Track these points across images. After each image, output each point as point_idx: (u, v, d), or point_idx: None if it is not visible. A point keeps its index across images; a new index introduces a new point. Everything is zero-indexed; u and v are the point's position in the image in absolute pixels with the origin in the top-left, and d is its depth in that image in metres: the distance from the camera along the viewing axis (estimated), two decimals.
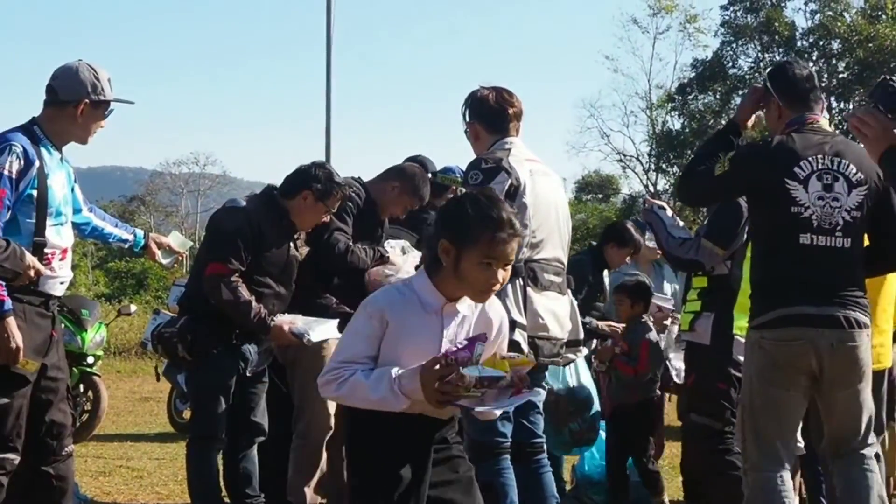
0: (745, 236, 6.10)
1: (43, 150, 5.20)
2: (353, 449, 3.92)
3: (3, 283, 4.90)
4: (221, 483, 6.34)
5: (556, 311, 5.63)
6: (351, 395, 3.74)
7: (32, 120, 5.28)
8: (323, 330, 6.24)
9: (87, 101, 5.27)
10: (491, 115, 5.75)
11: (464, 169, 6.17)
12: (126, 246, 6.25)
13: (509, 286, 5.34)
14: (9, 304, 4.96)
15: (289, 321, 6.14)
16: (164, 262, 6.34)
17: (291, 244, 6.34)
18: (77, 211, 5.67)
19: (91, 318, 11.09)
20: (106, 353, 15.82)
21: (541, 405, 5.77)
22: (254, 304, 6.03)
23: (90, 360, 10.95)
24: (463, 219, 3.71)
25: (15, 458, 5.10)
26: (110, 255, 49.14)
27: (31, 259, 4.85)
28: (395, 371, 3.67)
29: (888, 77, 4.50)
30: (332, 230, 6.48)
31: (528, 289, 5.47)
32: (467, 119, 5.83)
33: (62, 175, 5.33)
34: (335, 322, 6.30)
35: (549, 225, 5.64)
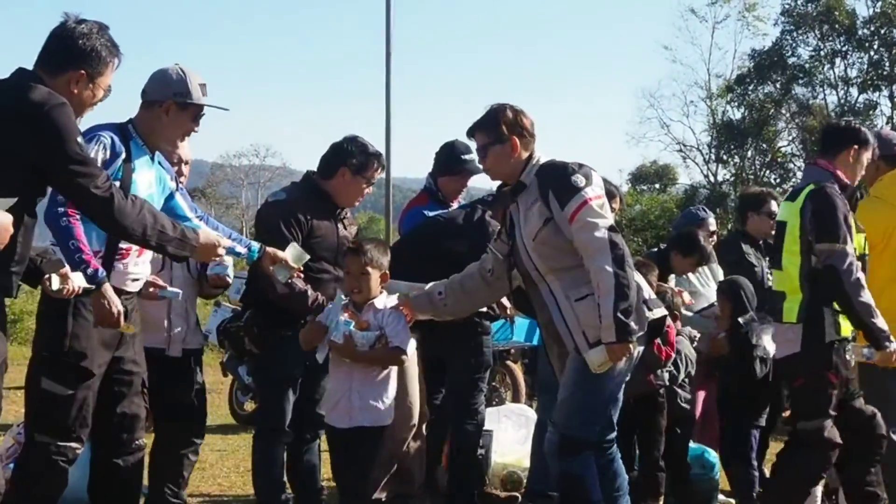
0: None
1: (132, 146, 5.28)
2: None
3: (96, 254, 5.01)
4: (286, 476, 6.37)
5: None
6: None
7: (129, 120, 5.39)
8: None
9: (171, 102, 5.35)
10: (530, 129, 5.71)
11: None
12: (240, 258, 6.01)
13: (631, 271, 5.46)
14: (103, 272, 4.97)
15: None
16: (280, 277, 5.91)
17: (340, 225, 6.37)
18: (183, 218, 5.57)
19: None
20: None
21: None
22: (310, 291, 6.07)
23: None
24: None
25: (77, 447, 5.16)
26: None
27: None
28: None
29: None
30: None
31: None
32: (504, 133, 5.67)
33: (150, 174, 5.37)
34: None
35: None
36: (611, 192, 7.44)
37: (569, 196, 5.40)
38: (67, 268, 4.75)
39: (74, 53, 4.66)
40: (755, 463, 7.30)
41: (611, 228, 5.37)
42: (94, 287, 4.90)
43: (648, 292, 5.63)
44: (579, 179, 5.43)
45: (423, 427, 7.01)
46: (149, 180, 5.34)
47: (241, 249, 5.77)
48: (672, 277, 8.13)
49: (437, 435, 7.35)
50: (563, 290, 5.49)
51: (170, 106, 5.35)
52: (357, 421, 5.74)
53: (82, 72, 4.65)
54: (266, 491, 6.24)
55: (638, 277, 5.55)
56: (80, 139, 4.53)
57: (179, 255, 5.12)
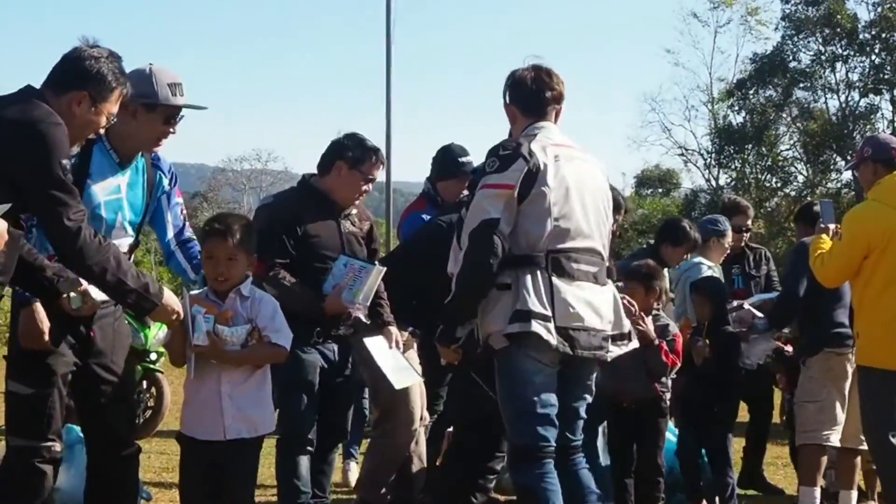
0: None
1: (95, 150, 5.12)
2: None
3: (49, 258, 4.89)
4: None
5: (593, 301, 5.32)
6: None
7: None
8: (368, 288, 6.18)
9: (139, 104, 5.08)
10: (527, 97, 5.54)
11: None
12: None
13: (528, 277, 5.18)
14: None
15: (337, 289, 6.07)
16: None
17: (346, 222, 6.32)
18: (160, 227, 5.54)
19: None
20: None
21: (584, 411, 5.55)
22: (297, 287, 6.01)
23: (153, 356, 11.00)
24: None
25: (54, 446, 5.03)
26: None
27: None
28: None
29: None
30: None
31: (554, 279, 5.20)
32: (506, 100, 5.63)
33: (116, 181, 5.18)
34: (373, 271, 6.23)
35: (578, 213, 5.35)
36: (617, 202, 7.28)
37: (480, 175, 5.38)
38: (85, 284, 4.67)
39: (80, 74, 4.62)
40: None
41: (484, 223, 5.15)
42: (104, 300, 4.85)
43: (536, 304, 5.14)
44: (492, 163, 5.29)
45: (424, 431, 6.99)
46: (111, 186, 5.16)
47: (192, 276, 5.69)
48: (665, 272, 8.10)
49: (439, 439, 7.34)
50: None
51: (137, 109, 5.10)
52: (234, 432, 5.02)
53: (85, 93, 4.60)
54: (288, 499, 6.12)
55: (535, 283, 5.18)
56: (65, 162, 4.44)
57: (138, 308, 4.88)
